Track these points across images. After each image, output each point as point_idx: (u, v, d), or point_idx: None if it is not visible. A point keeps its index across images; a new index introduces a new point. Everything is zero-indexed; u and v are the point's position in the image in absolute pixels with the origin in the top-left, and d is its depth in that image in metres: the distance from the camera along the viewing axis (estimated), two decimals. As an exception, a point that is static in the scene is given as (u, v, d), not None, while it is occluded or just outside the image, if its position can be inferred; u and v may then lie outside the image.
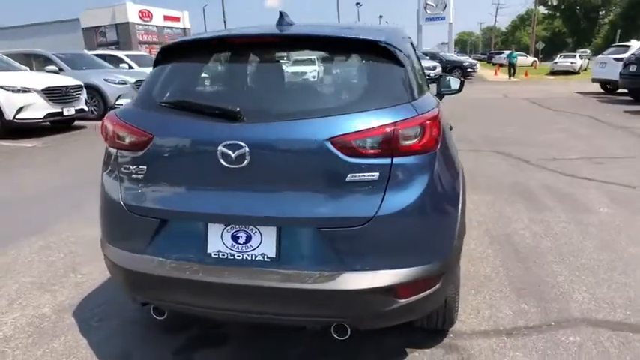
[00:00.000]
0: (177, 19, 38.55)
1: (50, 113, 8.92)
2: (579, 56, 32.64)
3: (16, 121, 8.53)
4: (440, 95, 3.19)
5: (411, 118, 1.74)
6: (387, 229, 1.71)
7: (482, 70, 34.83)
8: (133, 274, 1.90)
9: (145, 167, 1.88)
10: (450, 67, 25.93)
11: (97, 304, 2.70)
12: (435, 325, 2.25)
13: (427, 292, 1.81)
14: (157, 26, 35.99)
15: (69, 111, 9.29)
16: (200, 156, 1.81)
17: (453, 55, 33.06)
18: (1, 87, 8.39)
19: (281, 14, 2.13)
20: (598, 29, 70.31)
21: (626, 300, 2.63)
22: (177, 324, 2.43)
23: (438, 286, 1.84)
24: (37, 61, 11.78)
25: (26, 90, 8.63)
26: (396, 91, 1.83)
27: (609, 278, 2.89)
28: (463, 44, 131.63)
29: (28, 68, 10.34)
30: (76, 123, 10.24)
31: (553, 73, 30.62)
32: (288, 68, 2.52)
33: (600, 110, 11.11)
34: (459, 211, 1.96)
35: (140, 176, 1.90)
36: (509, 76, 27.23)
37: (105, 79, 11.21)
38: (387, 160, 1.70)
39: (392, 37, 1.98)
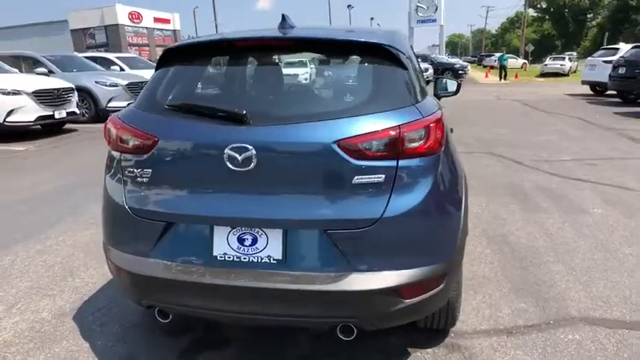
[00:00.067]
0: (167, 20, 38.43)
1: (41, 116, 8.85)
2: (569, 58, 33.01)
3: (6, 124, 8.45)
4: (436, 97, 3.22)
5: (416, 121, 1.76)
6: (393, 230, 1.73)
7: (473, 73, 35.12)
8: (139, 277, 1.90)
9: (150, 170, 1.88)
10: (441, 69, 26.12)
11: (97, 308, 2.69)
12: (438, 325, 2.27)
13: (432, 292, 1.83)
14: (146, 28, 35.86)
15: (60, 114, 9.21)
16: (206, 159, 1.82)
17: (444, 58, 33.33)
18: (-9, 89, 8.31)
19: (283, 17, 2.15)
20: (586, 32, 71.20)
21: (621, 298, 2.68)
22: (180, 327, 2.43)
23: (442, 286, 1.86)
24: (26, 63, 11.66)
25: (16, 92, 8.54)
26: (401, 94, 1.85)
27: (605, 277, 2.94)
28: (454, 46, 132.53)
29: (17, 70, 10.24)
30: (68, 126, 10.17)
31: (543, 75, 30.96)
32: (293, 71, 2.53)
33: (590, 112, 11.27)
34: (462, 211, 1.99)
35: (145, 179, 1.90)
36: (500, 79, 27.48)
37: (96, 82, 11.14)
38: (393, 163, 1.72)
39: (395, 39, 2.01)
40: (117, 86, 11.18)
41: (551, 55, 40.43)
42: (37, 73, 10.33)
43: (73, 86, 9.81)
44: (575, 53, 49.54)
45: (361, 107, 1.82)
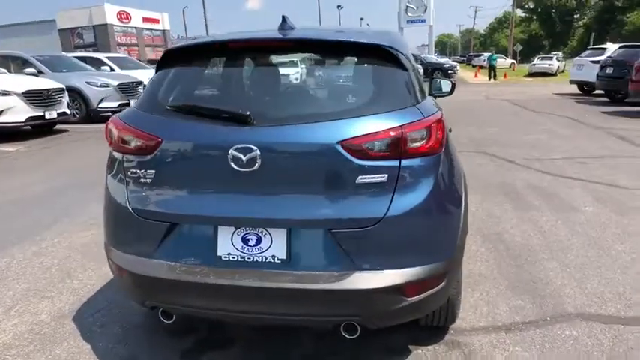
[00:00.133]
0: (156, 20, 38.09)
1: (31, 117, 8.77)
2: (556, 58, 33.39)
3: (-5, 124, 8.35)
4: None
5: (418, 121, 1.79)
6: (396, 229, 1.76)
7: (463, 72, 35.39)
8: (142, 278, 1.90)
9: (154, 171, 1.88)
10: (430, 69, 26.24)
11: (96, 309, 2.68)
12: (439, 322, 2.30)
13: (433, 290, 1.85)
14: (135, 28, 35.50)
15: (51, 114, 9.12)
16: (210, 159, 1.83)
17: (433, 57, 33.50)
18: (-20, 90, 8.21)
19: (284, 18, 2.16)
20: (573, 32, 72.12)
21: (615, 294, 2.74)
22: (183, 327, 2.43)
23: (443, 284, 1.89)
24: (14, 63, 11.53)
25: (6, 93, 8.45)
26: (402, 95, 1.88)
27: (598, 274, 3.00)
28: (443, 46, 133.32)
29: (6, 71, 10.12)
30: (58, 127, 10.07)
31: (531, 74, 31.24)
32: (295, 71, 2.55)
33: (579, 111, 11.42)
34: (462, 210, 2.02)
35: (148, 180, 1.90)
36: (490, 78, 27.70)
37: (87, 82, 11.05)
38: (396, 162, 1.75)
39: (395, 41, 2.03)
40: (108, 87, 11.10)
41: (539, 55, 40.82)
42: (27, 74, 10.23)
43: (64, 87, 9.72)
44: (561, 53, 50.18)
45: (364, 108, 1.84)
